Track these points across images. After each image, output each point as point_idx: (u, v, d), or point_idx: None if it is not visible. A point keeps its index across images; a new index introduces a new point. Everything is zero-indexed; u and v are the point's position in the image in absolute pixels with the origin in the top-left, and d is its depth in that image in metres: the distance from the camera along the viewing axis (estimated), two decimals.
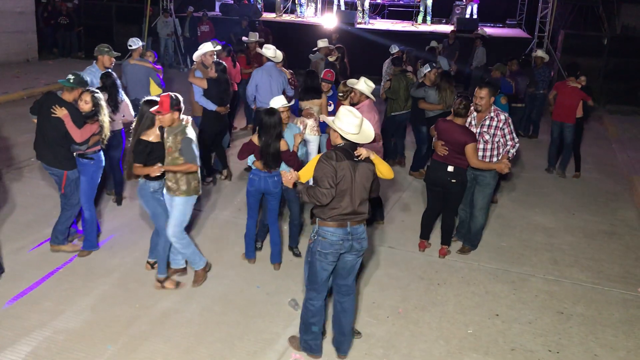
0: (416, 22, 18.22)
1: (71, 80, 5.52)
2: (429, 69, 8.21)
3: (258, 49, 8.66)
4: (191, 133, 5.02)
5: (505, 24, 19.27)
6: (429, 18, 18.37)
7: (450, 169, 5.85)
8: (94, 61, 6.93)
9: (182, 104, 4.99)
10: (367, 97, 6.49)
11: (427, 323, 5.07)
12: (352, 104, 6.46)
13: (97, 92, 5.57)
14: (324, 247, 4.20)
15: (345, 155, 4.12)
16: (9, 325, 4.70)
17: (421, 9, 18.36)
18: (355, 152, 4.16)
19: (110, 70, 6.76)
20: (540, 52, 11.28)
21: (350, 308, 4.49)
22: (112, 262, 5.77)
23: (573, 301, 5.55)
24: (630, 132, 12.27)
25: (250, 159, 5.64)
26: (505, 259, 6.35)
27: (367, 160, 4.23)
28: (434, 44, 11.74)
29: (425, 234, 6.38)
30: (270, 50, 8.17)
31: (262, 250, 6.12)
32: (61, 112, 5.40)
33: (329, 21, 16.43)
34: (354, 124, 4.13)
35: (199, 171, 5.14)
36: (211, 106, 7.61)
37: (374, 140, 6.28)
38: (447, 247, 6.29)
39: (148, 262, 5.65)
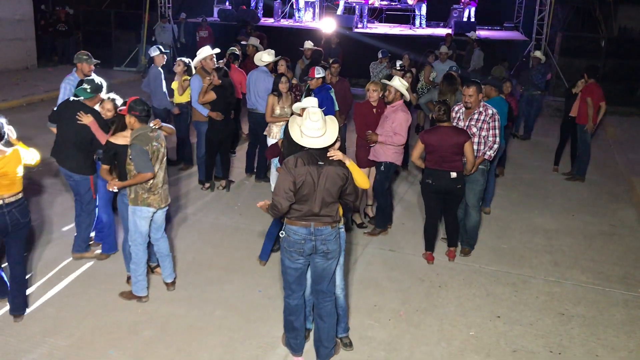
0: (414, 25, 18.28)
1: (88, 90, 5.58)
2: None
3: (256, 56, 8.64)
4: (143, 139, 4.84)
5: (502, 27, 19.33)
6: (423, 22, 18.44)
7: (453, 175, 5.84)
8: (74, 69, 6.82)
9: (141, 111, 4.87)
10: (402, 96, 6.49)
11: (429, 325, 5.08)
12: (387, 103, 6.52)
13: (117, 99, 5.61)
14: (288, 244, 4.24)
15: (307, 160, 4.08)
16: (12, 332, 4.71)
17: (417, 12, 18.43)
18: (327, 154, 4.14)
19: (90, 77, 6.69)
20: (537, 53, 11.32)
21: (328, 315, 4.40)
22: (114, 268, 5.77)
23: (574, 302, 5.56)
24: (629, 133, 12.29)
25: (276, 162, 5.69)
26: (506, 261, 6.36)
27: (339, 164, 4.17)
28: (443, 49, 11.68)
29: (431, 246, 6.28)
30: (263, 56, 8.22)
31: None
32: (87, 119, 5.46)
33: (328, 25, 16.49)
34: (315, 128, 4.09)
35: (153, 181, 4.96)
36: (204, 111, 7.63)
37: (396, 140, 6.34)
38: (454, 248, 6.29)
39: (149, 266, 5.65)
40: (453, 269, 6.11)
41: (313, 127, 4.08)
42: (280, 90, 7.33)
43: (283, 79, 7.37)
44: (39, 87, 14.20)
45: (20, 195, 4.69)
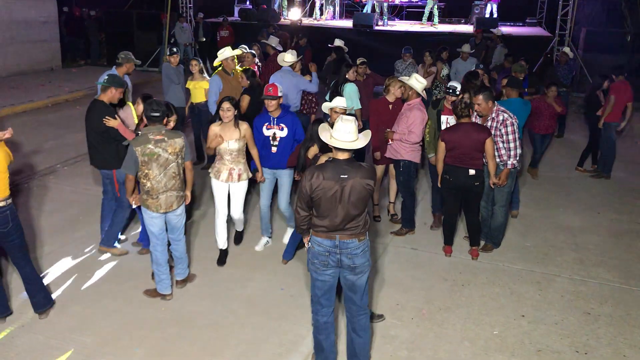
0: (433, 22, 18.14)
1: (105, 81, 5.62)
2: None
3: (279, 56, 8.65)
4: (139, 140, 4.86)
5: (525, 23, 19.11)
6: (436, 19, 18.24)
7: (471, 172, 5.81)
8: (114, 67, 6.98)
9: (152, 112, 4.88)
10: (419, 95, 6.44)
11: (452, 324, 5.05)
12: (403, 100, 6.50)
13: (150, 96, 5.70)
14: (313, 255, 4.10)
15: (327, 174, 3.90)
16: (39, 329, 4.79)
17: (431, 9, 18.24)
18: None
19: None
20: (566, 49, 11.17)
21: (362, 329, 4.24)
22: (139, 266, 5.84)
23: (600, 301, 5.48)
24: None
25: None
26: (530, 259, 6.29)
27: (364, 175, 3.94)
28: (465, 47, 11.55)
29: (450, 240, 6.32)
30: (286, 56, 8.22)
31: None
32: (114, 123, 5.52)
33: (294, 14, 16.74)
34: (346, 131, 3.91)
35: (150, 185, 4.93)
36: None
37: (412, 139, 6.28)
38: (477, 247, 6.25)
39: (171, 266, 5.68)
40: (476, 267, 6.06)
41: (345, 129, 3.90)
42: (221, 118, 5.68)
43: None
44: (64, 87, 14.43)
45: (1, 203, 4.53)
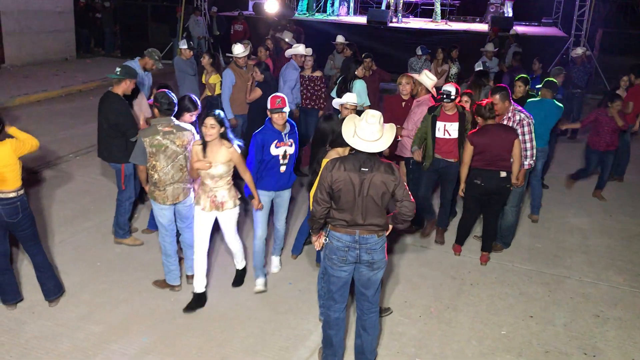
0: (434, 19, 18.03)
1: (118, 72, 5.63)
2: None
3: (288, 51, 8.68)
4: (148, 131, 4.88)
5: (540, 23, 18.96)
6: (438, 17, 18.13)
7: (503, 174, 5.71)
8: (137, 58, 7.08)
9: (162, 104, 4.94)
10: (428, 91, 6.41)
11: (460, 323, 5.03)
12: (412, 96, 6.45)
13: (167, 85, 5.72)
14: (331, 251, 4.07)
15: (348, 165, 3.87)
16: (49, 317, 4.83)
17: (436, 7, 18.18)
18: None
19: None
20: (579, 50, 11.07)
21: (371, 327, 4.24)
22: (148, 257, 5.87)
23: (610, 304, 5.44)
24: None
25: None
26: (540, 260, 6.26)
27: (386, 170, 3.89)
28: (489, 47, 11.48)
29: (463, 240, 6.27)
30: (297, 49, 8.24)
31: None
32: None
33: (270, 6, 16.16)
34: (370, 131, 3.82)
35: (158, 177, 4.94)
36: (230, 113, 7.71)
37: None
38: (487, 253, 6.15)
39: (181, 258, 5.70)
40: (485, 267, 6.04)
41: (368, 129, 3.83)
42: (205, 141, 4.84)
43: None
44: (78, 77, 14.52)
45: (10, 194, 4.57)
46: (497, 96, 5.94)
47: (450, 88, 5.97)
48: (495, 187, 5.76)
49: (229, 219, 5.06)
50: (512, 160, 5.74)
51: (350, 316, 4.81)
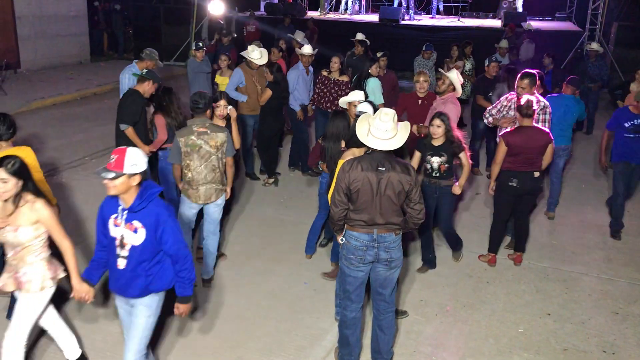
0: (462, 17, 17.94)
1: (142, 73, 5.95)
2: (488, 63, 8.44)
3: (297, 50, 8.69)
4: (184, 131, 5.04)
5: (554, 17, 18.77)
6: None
7: (536, 174, 5.66)
8: (134, 61, 7.14)
9: (196, 103, 5.12)
10: (454, 89, 6.39)
11: (477, 321, 5.01)
12: (438, 93, 6.42)
13: (171, 89, 5.92)
14: (348, 250, 4.05)
15: (365, 165, 3.87)
16: (65, 318, 4.87)
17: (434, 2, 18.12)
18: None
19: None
20: (594, 45, 10.93)
21: (388, 327, 4.25)
22: None
23: (629, 301, 5.37)
24: None
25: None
26: (557, 257, 6.20)
27: (403, 170, 3.89)
28: (503, 43, 11.42)
29: (496, 248, 6.06)
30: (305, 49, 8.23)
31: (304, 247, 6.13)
32: (145, 149, 5.68)
33: (215, 7, 15.44)
34: (384, 129, 3.82)
35: (191, 176, 5.05)
36: (242, 98, 7.70)
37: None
38: (523, 253, 6.05)
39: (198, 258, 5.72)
40: (501, 264, 5.99)
41: (382, 127, 3.82)
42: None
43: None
44: (92, 81, 14.62)
45: None
46: (527, 80, 6.12)
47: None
48: (530, 187, 5.70)
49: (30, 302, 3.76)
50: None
51: (366, 315, 4.80)
